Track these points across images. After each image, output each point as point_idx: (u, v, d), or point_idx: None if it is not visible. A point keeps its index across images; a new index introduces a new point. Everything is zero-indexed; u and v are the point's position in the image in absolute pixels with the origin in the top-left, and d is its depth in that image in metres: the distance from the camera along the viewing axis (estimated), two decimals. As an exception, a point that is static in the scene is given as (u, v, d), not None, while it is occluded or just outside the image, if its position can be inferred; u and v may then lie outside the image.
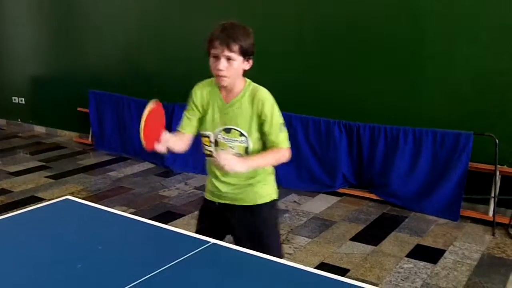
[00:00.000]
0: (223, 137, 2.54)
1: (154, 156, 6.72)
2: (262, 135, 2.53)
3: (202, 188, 5.72)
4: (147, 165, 6.64)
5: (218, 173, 2.62)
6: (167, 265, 2.02)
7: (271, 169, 2.70)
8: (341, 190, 5.55)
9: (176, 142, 2.61)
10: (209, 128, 2.58)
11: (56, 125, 8.46)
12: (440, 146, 4.95)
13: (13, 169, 6.45)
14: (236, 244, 2.66)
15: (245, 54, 2.44)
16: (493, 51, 4.73)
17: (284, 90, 5.87)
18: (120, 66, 7.36)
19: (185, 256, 2.10)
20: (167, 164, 6.44)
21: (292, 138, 5.71)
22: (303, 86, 5.78)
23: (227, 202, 2.65)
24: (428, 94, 5.09)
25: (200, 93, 2.64)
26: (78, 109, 7.77)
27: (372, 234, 4.56)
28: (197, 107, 2.62)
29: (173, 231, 2.42)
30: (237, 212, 2.64)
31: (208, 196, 2.75)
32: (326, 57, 5.63)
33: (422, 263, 4.00)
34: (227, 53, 2.39)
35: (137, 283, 1.88)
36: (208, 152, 2.63)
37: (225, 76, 2.43)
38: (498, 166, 4.74)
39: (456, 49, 4.90)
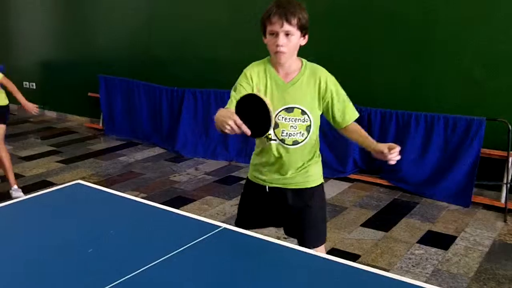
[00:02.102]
0: (283, 117, 2.47)
1: (164, 141, 6.73)
2: (333, 112, 2.54)
3: (212, 173, 5.72)
4: (157, 150, 6.64)
5: (277, 158, 2.55)
6: (178, 249, 2.02)
7: (319, 152, 2.68)
8: (352, 176, 5.53)
9: None
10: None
11: (67, 110, 8.48)
12: (452, 131, 4.91)
13: (24, 153, 6.48)
14: (286, 232, 2.72)
15: (302, 28, 2.40)
16: (506, 35, 4.68)
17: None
18: (130, 51, 7.35)
19: (196, 241, 2.10)
20: (177, 149, 6.44)
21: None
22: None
23: (279, 185, 2.61)
24: (440, 79, 5.05)
25: (256, 73, 2.52)
26: (89, 94, 7.78)
27: (383, 220, 4.55)
28: (250, 87, 2.49)
29: (184, 216, 2.41)
30: (288, 196, 2.61)
31: (257, 180, 2.66)
32: (337, 42, 5.59)
33: (433, 249, 3.98)
34: (286, 27, 2.33)
35: (148, 267, 1.88)
36: (269, 135, 2.52)
37: (284, 52, 2.38)
38: (511, 152, 4.70)
39: (468, 33, 4.85)
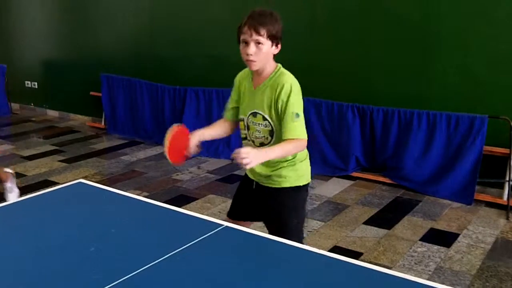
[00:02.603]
0: (251, 121, 2.63)
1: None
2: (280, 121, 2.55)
3: (215, 171, 5.73)
4: (159, 149, 6.64)
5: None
6: (180, 248, 2.02)
7: (302, 156, 2.72)
8: (354, 174, 5.53)
9: (215, 131, 2.86)
10: (242, 113, 2.70)
11: (69, 109, 8.49)
12: (454, 129, 4.91)
13: (26, 153, 6.49)
14: (267, 228, 2.80)
15: (273, 38, 2.51)
16: (509, 33, 4.67)
17: (297, 72, 5.84)
18: (132, 49, 7.36)
19: (198, 239, 2.10)
20: (180, 148, 6.43)
21: (305, 121, 5.73)
22: (315, 69, 5.74)
23: (260, 182, 2.76)
24: (442, 77, 5.05)
25: (239, 80, 2.78)
26: (91, 93, 7.79)
27: (385, 218, 4.55)
28: (237, 94, 2.76)
29: (186, 214, 2.42)
30: (265, 194, 2.73)
31: (248, 174, 2.84)
32: (339, 39, 5.59)
33: (435, 247, 3.98)
34: (255, 37, 2.46)
35: (150, 266, 1.89)
36: (244, 135, 2.73)
37: (254, 61, 2.49)
38: (513, 149, 4.70)
39: (470, 31, 4.84)
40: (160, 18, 6.97)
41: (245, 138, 2.73)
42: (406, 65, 5.21)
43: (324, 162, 5.65)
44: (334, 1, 5.54)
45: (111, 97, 7.38)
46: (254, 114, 2.61)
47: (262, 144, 2.63)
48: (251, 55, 2.47)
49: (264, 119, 2.57)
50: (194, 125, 6.53)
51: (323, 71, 5.71)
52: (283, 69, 2.61)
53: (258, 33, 2.45)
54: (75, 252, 2.02)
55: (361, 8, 5.38)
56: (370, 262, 2.74)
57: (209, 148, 6.31)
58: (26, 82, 8.95)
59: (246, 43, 2.48)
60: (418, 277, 2.24)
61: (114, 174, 5.70)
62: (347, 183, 5.38)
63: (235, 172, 5.70)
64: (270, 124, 2.57)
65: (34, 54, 8.71)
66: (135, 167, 5.92)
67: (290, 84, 2.51)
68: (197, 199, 4.95)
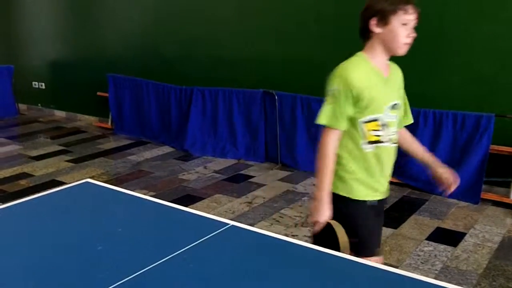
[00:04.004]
0: (390, 115, 2.34)
1: (173, 140, 6.75)
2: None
3: (221, 171, 5.73)
4: (166, 149, 6.66)
5: (381, 163, 2.39)
6: (186, 247, 2.02)
7: None
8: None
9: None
10: (377, 110, 2.30)
11: (76, 109, 8.52)
12: (461, 128, 4.90)
13: (34, 153, 6.52)
14: None
15: None
16: (515, 31, 4.67)
17: (303, 70, 5.86)
18: (138, 50, 7.38)
19: (204, 238, 2.10)
20: (186, 148, 6.46)
21: (311, 120, 5.73)
22: (318, 68, 5.73)
23: (383, 197, 2.48)
24: (448, 76, 5.04)
25: (357, 78, 2.29)
26: (98, 93, 7.81)
27: (391, 217, 4.54)
28: (358, 92, 2.27)
29: (192, 213, 2.42)
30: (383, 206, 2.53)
31: (367, 197, 2.41)
32: (345, 37, 5.57)
33: (442, 246, 3.98)
34: (415, 17, 2.26)
35: (156, 265, 1.89)
36: (376, 138, 2.33)
37: (410, 44, 2.31)
38: (520, 148, 4.69)
39: (477, 30, 4.83)
40: (166, 18, 6.99)
41: (377, 142, 2.34)
42: (412, 64, 5.18)
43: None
44: (340, 3, 5.53)
45: (117, 97, 7.40)
46: (393, 106, 2.34)
47: (395, 142, 2.41)
48: (412, 38, 2.27)
49: (399, 109, 2.38)
50: (201, 125, 6.60)
51: (329, 70, 5.68)
52: None
53: (418, 14, 2.26)
54: (82, 251, 2.03)
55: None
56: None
57: (215, 148, 6.33)
58: (34, 82, 8.99)
59: (405, 24, 2.24)
60: (425, 276, 2.23)
61: (121, 174, 5.72)
62: (353, 182, 5.37)
63: (242, 172, 5.71)
64: (400, 113, 2.41)
65: (41, 55, 8.75)
66: (142, 167, 5.94)
67: None
68: (204, 198, 4.96)
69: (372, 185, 2.40)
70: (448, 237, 4.15)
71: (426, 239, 4.11)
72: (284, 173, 5.67)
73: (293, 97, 5.76)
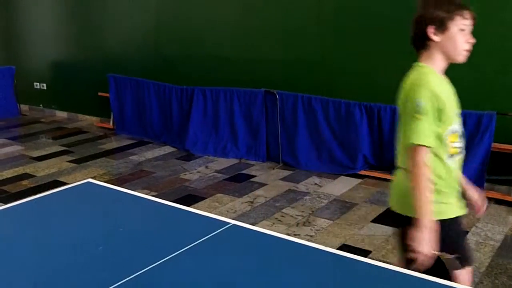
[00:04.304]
0: (459, 124, 2.26)
1: (174, 140, 6.76)
2: None
3: (222, 171, 5.73)
4: (168, 149, 6.66)
5: (456, 175, 2.28)
6: (187, 246, 2.03)
7: None
8: (362, 172, 5.52)
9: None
10: (454, 121, 2.24)
11: (77, 110, 8.52)
12: (462, 126, 4.88)
13: (36, 154, 6.52)
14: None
15: None
16: (517, 29, 4.66)
17: (304, 70, 5.86)
18: (139, 50, 7.38)
19: (206, 237, 2.11)
20: (188, 148, 6.46)
21: (312, 120, 5.74)
22: (322, 67, 5.74)
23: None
24: (450, 74, 5.01)
25: (440, 88, 2.21)
26: (99, 93, 7.82)
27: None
28: (442, 108, 2.17)
29: (194, 213, 2.43)
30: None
31: (458, 212, 2.29)
32: (346, 36, 5.58)
33: (444, 245, 3.97)
34: (472, 22, 2.23)
35: (158, 264, 1.89)
36: (456, 151, 2.25)
37: (469, 50, 2.24)
38: (522, 146, 4.68)
39: (479, 29, 4.81)
40: (167, 19, 6.99)
41: (456, 154, 2.27)
42: (414, 62, 5.19)
43: (332, 161, 5.65)
44: (342, 2, 5.53)
45: (119, 97, 7.41)
46: (459, 115, 2.26)
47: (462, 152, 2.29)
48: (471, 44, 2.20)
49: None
50: (202, 125, 6.60)
51: (330, 69, 5.71)
52: None
53: (473, 19, 2.21)
54: (83, 251, 2.03)
55: (368, 5, 5.37)
56: (379, 260, 2.74)
57: (216, 147, 6.33)
58: (35, 83, 8.99)
59: (463, 30, 2.20)
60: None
61: (122, 174, 5.72)
62: (355, 181, 5.38)
63: (243, 171, 5.71)
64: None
65: (42, 56, 8.75)
66: (144, 167, 5.94)
67: None
68: (205, 198, 4.96)
69: (457, 198, 2.30)
70: (450, 236, 4.14)
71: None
72: (285, 173, 5.67)
73: (294, 97, 5.76)
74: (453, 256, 2.19)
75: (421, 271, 1.95)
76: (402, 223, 2.28)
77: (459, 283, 2.17)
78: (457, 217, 2.27)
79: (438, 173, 2.20)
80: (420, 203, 2.11)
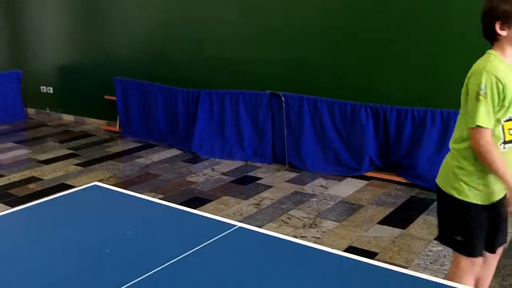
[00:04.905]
0: None
1: (181, 143, 6.77)
2: None
3: (229, 173, 5.74)
4: (174, 152, 6.67)
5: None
6: (194, 248, 2.03)
7: None
8: (368, 174, 5.52)
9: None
10: None
11: (84, 113, 8.54)
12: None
13: (42, 157, 6.54)
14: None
15: None
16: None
17: (308, 70, 5.86)
18: (145, 53, 7.39)
19: (213, 240, 2.11)
20: (194, 150, 6.47)
21: (318, 121, 5.73)
22: (327, 68, 5.74)
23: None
24: (455, 75, 5.00)
25: (501, 72, 2.27)
26: (106, 97, 7.83)
27: (400, 217, 4.53)
28: (504, 90, 2.26)
29: (200, 215, 2.43)
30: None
31: (490, 201, 2.44)
32: (352, 40, 5.58)
33: (451, 246, 3.96)
34: None
35: (164, 267, 1.90)
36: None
37: None
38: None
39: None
40: (172, 21, 7.00)
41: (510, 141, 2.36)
42: (419, 64, 5.19)
43: (338, 162, 5.64)
44: (347, 2, 5.53)
45: (125, 100, 7.43)
46: None
47: None
48: None
49: None
50: (208, 127, 6.61)
51: (335, 70, 5.70)
52: None
53: None
54: (91, 253, 2.04)
55: (374, 6, 5.37)
56: (385, 262, 2.74)
57: (222, 149, 6.34)
58: (42, 87, 9.02)
59: None
60: (434, 276, 2.23)
61: (129, 176, 5.73)
62: (361, 183, 5.37)
63: (249, 174, 5.71)
64: None
65: (49, 60, 8.78)
66: (150, 170, 5.95)
67: None
68: (212, 200, 4.96)
69: (495, 187, 2.41)
70: (457, 237, 4.12)
71: (435, 239, 4.10)
72: (291, 174, 5.67)
73: (300, 98, 5.76)
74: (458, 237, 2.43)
75: None
76: (441, 197, 2.54)
77: (462, 270, 2.50)
78: (479, 205, 2.41)
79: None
80: (500, 174, 2.29)
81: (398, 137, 5.29)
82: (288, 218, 4.53)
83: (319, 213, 4.62)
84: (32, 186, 5.44)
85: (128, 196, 2.74)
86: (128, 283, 1.79)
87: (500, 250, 2.67)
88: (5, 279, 1.89)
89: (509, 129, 2.32)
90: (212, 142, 6.44)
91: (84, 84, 8.29)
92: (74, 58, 8.40)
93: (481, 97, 2.25)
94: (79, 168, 6.08)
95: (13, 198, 5.08)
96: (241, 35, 6.35)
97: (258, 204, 4.84)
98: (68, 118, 8.79)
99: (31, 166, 6.17)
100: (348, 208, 4.73)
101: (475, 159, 2.37)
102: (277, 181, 5.46)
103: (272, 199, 4.95)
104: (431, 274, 3.43)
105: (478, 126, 2.26)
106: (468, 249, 2.51)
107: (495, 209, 2.46)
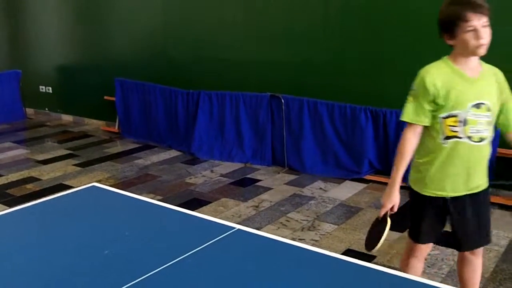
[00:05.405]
0: (473, 114, 2.45)
1: (180, 144, 6.76)
2: (506, 111, 2.57)
3: (228, 175, 5.74)
4: (173, 153, 6.67)
5: (455, 163, 2.54)
6: (192, 250, 2.03)
7: None
8: (367, 177, 5.51)
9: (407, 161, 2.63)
10: (459, 107, 2.46)
11: (83, 113, 8.54)
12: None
13: (41, 157, 6.54)
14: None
15: (490, 15, 2.41)
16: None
17: (310, 73, 5.86)
18: (145, 54, 7.39)
19: (211, 242, 2.11)
20: (193, 152, 6.46)
21: (318, 124, 5.73)
22: (328, 70, 5.74)
23: (467, 192, 2.61)
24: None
25: (439, 79, 2.50)
26: (105, 97, 7.83)
27: (398, 221, 4.52)
28: (437, 91, 2.48)
29: (199, 217, 2.43)
30: (468, 202, 2.64)
31: (435, 193, 2.64)
32: (351, 43, 5.58)
33: (449, 250, 3.96)
34: (483, 19, 2.36)
35: (163, 268, 1.90)
36: (453, 133, 2.49)
37: (486, 44, 2.41)
38: (528, 151, 4.67)
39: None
40: (173, 23, 7.00)
41: (454, 137, 2.50)
42: (420, 66, 5.18)
43: (337, 165, 5.64)
44: (347, 4, 5.53)
45: (124, 101, 7.42)
46: (478, 106, 2.44)
47: (481, 140, 2.50)
48: (485, 38, 2.38)
49: (488, 109, 2.46)
50: (208, 129, 6.60)
51: (335, 73, 5.70)
52: None
53: (486, 15, 2.36)
54: (89, 255, 2.04)
55: (374, 9, 5.37)
56: (384, 265, 2.74)
57: (222, 151, 6.33)
58: (41, 87, 9.02)
59: (474, 30, 2.36)
60: (432, 280, 2.23)
61: (128, 177, 5.73)
62: (360, 186, 5.37)
63: (248, 176, 5.71)
64: (491, 115, 2.48)
65: (48, 59, 8.78)
66: (149, 171, 5.95)
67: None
68: (210, 202, 4.96)
69: (453, 181, 2.58)
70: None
71: (433, 242, 4.10)
72: (291, 177, 5.67)
73: (300, 101, 5.76)
74: (391, 213, 2.66)
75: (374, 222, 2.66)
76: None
77: (407, 252, 2.86)
78: (427, 196, 2.65)
79: (428, 150, 2.58)
80: (393, 173, 2.62)
81: (397, 141, 5.26)
82: (287, 220, 4.53)
83: (317, 216, 4.62)
84: (30, 186, 5.44)
85: (127, 197, 2.73)
86: (126, 285, 1.79)
87: (480, 251, 2.80)
88: (3, 279, 1.89)
89: (449, 125, 2.48)
90: (211, 144, 6.44)
91: (83, 84, 8.29)
92: (73, 58, 8.40)
93: (411, 96, 2.57)
94: (78, 168, 6.08)
95: (10, 198, 5.07)
96: (241, 37, 6.35)
97: (257, 206, 4.84)
98: (67, 118, 8.79)
99: (30, 166, 6.17)
100: (347, 211, 4.73)
101: (419, 153, 2.63)
102: (276, 184, 5.46)
103: (271, 201, 4.95)
104: (429, 278, 3.43)
105: (403, 120, 2.57)
106: (414, 235, 2.80)
107: (445, 206, 2.62)
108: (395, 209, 2.64)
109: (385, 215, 2.64)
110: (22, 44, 9.19)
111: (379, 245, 2.55)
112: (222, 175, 5.75)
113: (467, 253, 2.80)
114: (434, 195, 2.62)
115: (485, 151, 2.57)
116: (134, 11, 7.38)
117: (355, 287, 1.83)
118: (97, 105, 8.15)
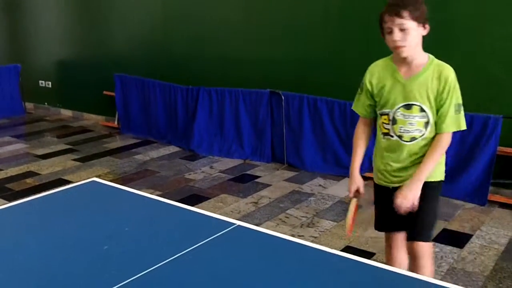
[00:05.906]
0: (402, 114, 2.55)
1: (179, 140, 6.76)
2: (437, 112, 2.55)
3: (227, 171, 5.73)
4: (172, 149, 6.67)
5: (390, 158, 2.69)
6: (192, 246, 2.03)
7: None
8: (366, 174, 5.48)
9: (363, 151, 2.84)
10: (385, 107, 2.60)
11: (82, 108, 8.53)
12: (468, 129, 4.84)
13: (40, 152, 6.53)
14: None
15: (417, 19, 2.43)
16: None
17: (310, 70, 5.85)
18: (145, 49, 7.38)
19: (210, 238, 2.10)
20: (193, 148, 6.46)
21: (318, 121, 5.73)
22: (327, 67, 5.73)
23: (399, 184, 2.67)
24: (456, 77, 5.01)
25: (376, 73, 2.67)
26: (104, 92, 7.82)
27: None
28: (372, 88, 2.66)
29: (199, 213, 2.43)
30: None
31: (380, 182, 2.84)
32: (352, 36, 5.57)
33: (448, 248, 3.96)
34: (398, 21, 2.41)
35: (162, 264, 1.89)
36: (386, 131, 2.64)
37: (403, 46, 2.45)
38: (528, 150, 4.66)
39: (484, 30, 4.81)
40: (173, 18, 6.99)
41: (386, 134, 2.64)
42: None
43: (336, 163, 5.64)
44: (345, 3, 5.52)
45: (124, 96, 7.42)
46: (408, 106, 2.52)
47: (413, 139, 2.56)
48: (399, 40, 2.43)
49: (422, 110, 2.51)
50: (207, 125, 6.59)
51: (335, 70, 5.69)
52: (437, 60, 2.62)
53: (401, 17, 2.40)
54: (88, 250, 2.04)
55: (374, 6, 5.35)
56: (383, 263, 2.73)
57: (221, 147, 6.33)
58: (40, 81, 9.01)
59: (391, 31, 2.45)
60: (430, 277, 2.24)
61: (127, 173, 5.72)
62: (359, 183, 5.36)
63: (248, 172, 5.71)
64: (427, 116, 2.52)
65: (48, 54, 8.77)
66: (148, 166, 5.95)
67: (453, 74, 2.55)
68: (210, 198, 4.96)
69: (380, 173, 2.79)
70: (454, 239, 4.13)
71: (433, 240, 4.09)
72: (290, 174, 5.67)
73: (299, 98, 5.75)
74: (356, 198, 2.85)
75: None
76: None
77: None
78: (377, 185, 2.87)
79: (376, 141, 2.78)
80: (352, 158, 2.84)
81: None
82: (286, 217, 4.53)
83: (317, 213, 4.62)
84: (30, 181, 5.44)
85: (126, 192, 2.73)
86: (125, 280, 1.79)
87: (401, 237, 2.85)
88: (2, 274, 1.88)
89: (382, 122, 2.63)
90: (211, 140, 6.44)
91: (83, 79, 8.28)
92: (73, 53, 8.39)
93: (359, 88, 2.75)
94: (77, 163, 6.07)
95: (10, 193, 5.07)
96: (241, 34, 6.34)
97: (256, 203, 4.84)
98: (66, 113, 8.78)
99: (29, 160, 6.16)
100: (346, 208, 4.69)
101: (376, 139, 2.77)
102: (275, 180, 5.46)
103: (270, 198, 4.95)
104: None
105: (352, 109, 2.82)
106: (375, 222, 3.00)
107: (390, 195, 2.66)
108: (362, 191, 2.81)
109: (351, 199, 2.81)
110: (22, 38, 9.18)
111: (346, 226, 2.79)
112: (221, 171, 5.75)
113: (408, 244, 2.81)
114: (379, 184, 2.82)
115: (419, 150, 2.59)
116: (134, 6, 7.36)
117: (353, 283, 1.83)
118: (96, 100, 8.14)
